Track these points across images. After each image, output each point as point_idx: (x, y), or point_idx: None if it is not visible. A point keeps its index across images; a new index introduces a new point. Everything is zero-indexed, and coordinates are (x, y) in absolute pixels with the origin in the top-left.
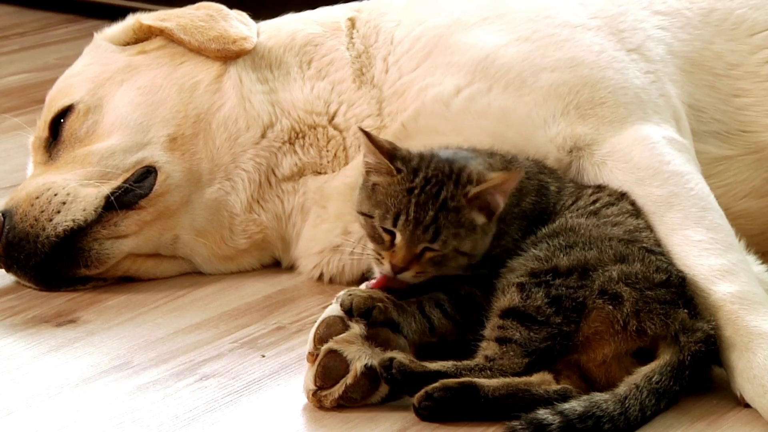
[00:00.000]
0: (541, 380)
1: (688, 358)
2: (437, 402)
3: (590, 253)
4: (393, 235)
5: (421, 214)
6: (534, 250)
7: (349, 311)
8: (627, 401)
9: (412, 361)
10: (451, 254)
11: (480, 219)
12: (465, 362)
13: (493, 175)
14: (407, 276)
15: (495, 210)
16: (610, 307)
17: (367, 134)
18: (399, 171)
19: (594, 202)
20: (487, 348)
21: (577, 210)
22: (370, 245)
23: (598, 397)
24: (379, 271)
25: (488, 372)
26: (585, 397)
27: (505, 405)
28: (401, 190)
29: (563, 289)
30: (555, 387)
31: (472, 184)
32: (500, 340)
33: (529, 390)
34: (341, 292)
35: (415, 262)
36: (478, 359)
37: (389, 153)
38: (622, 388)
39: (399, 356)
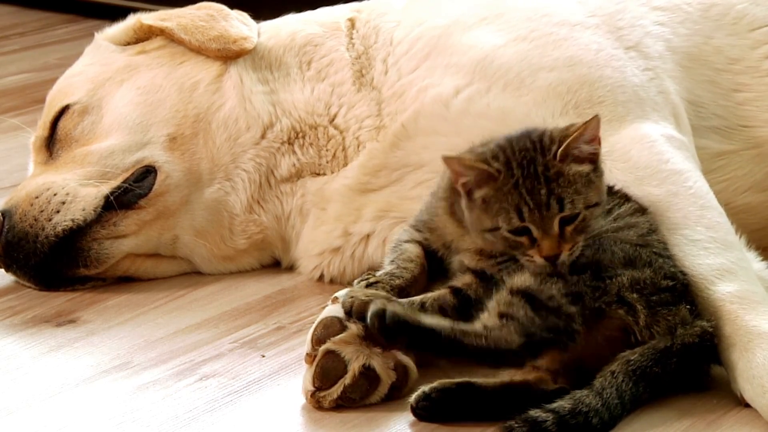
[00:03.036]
0: (539, 380)
1: (678, 346)
2: (434, 402)
3: (604, 255)
4: (528, 233)
5: (537, 197)
6: None
7: (350, 313)
8: (604, 391)
9: (406, 311)
10: (586, 212)
11: (585, 168)
12: (462, 325)
13: (571, 129)
14: (564, 258)
15: (594, 157)
16: (631, 318)
17: (453, 158)
18: (499, 172)
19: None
20: (488, 319)
21: None
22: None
23: (580, 393)
24: (533, 270)
25: (483, 340)
26: (568, 396)
27: (503, 405)
28: (509, 187)
29: (582, 286)
30: (552, 387)
31: (555, 144)
32: (502, 315)
33: (527, 390)
34: (341, 292)
35: (562, 241)
36: (476, 325)
37: (482, 160)
38: (597, 380)
39: (392, 306)
